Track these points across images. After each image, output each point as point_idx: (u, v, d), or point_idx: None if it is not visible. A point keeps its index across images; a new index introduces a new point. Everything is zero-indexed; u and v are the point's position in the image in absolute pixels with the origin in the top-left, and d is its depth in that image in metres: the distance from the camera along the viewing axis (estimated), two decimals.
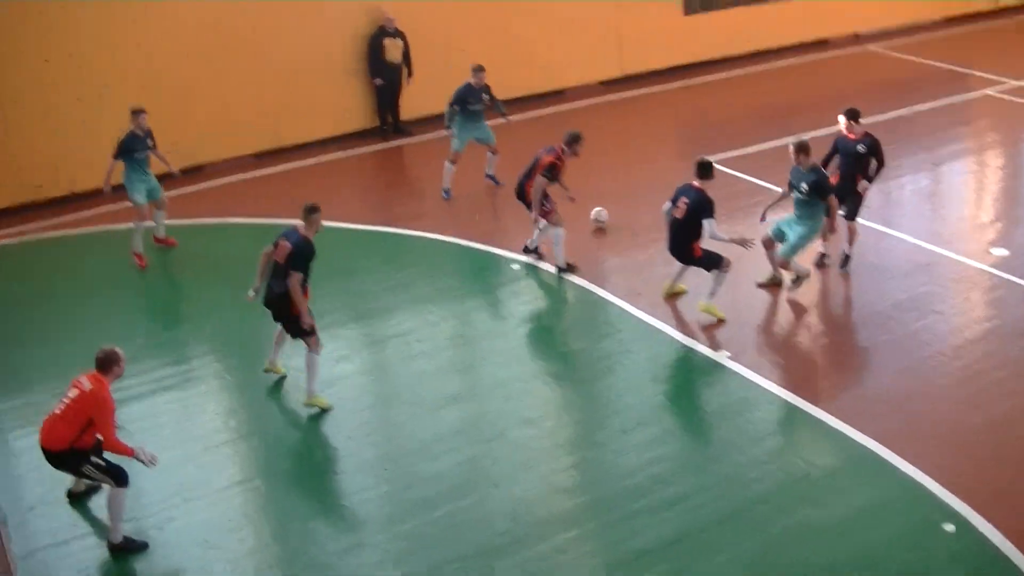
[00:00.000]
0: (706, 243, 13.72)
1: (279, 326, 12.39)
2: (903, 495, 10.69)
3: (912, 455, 11.10)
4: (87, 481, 10.67)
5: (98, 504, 10.75)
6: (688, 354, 13.22)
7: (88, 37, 18.05)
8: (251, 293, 12.29)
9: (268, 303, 12.16)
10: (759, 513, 10.45)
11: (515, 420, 11.93)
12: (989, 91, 22.84)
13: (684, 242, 13.67)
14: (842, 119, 15.00)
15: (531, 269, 15.45)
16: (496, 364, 13.15)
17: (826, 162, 14.96)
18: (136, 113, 15.86)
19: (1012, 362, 12.92)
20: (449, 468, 11.18)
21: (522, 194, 15.24)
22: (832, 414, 11.87)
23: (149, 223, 16.17)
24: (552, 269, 15.28)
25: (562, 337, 14.13)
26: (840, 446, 11.45)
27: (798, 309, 14.39)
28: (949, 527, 10.19)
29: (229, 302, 14.38)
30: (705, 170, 13.65)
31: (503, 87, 18.86)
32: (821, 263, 15.22)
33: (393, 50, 20.12)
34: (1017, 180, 19.16)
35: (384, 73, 20.23)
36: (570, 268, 15.27)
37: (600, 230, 16.48)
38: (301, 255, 11.76)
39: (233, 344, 13.89)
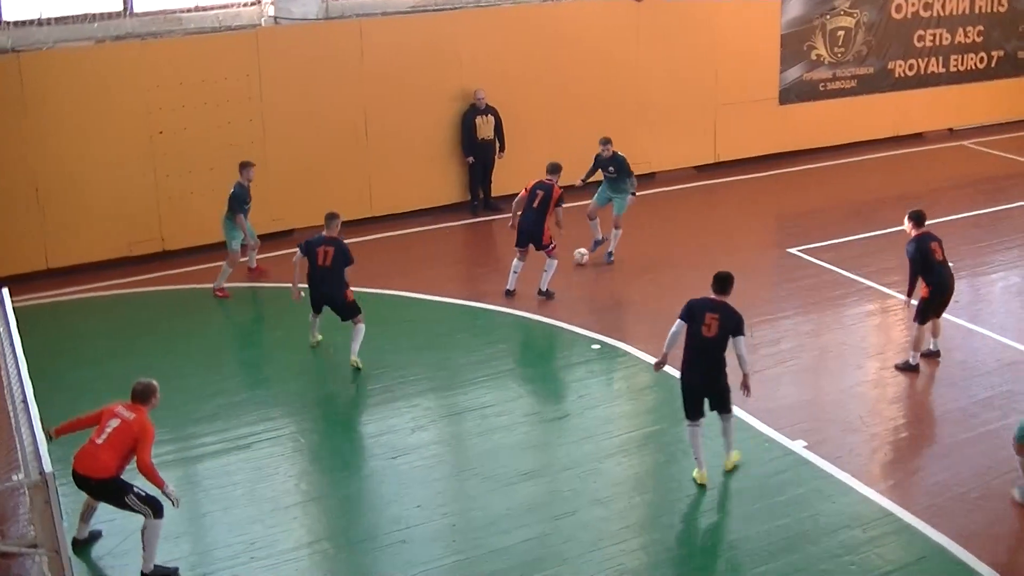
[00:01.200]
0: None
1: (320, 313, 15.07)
2: None
3: (988, 556, 10.92)
4: (91, 529, 10.99)
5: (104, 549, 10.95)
6: (763, 442, 13.14)
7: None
8: (299, 294, 14.99)
9: (321, 300, 14.86)
10: None
11: (586, 500, 11.95)
12: None
13: (720, 363, 12.01)
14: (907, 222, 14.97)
15: (611, 350, 15.52)
16: (571, 442, 13.19)
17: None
18: (245, 166, 16.88)
19: None
20: (518, 543, 11.21)
21: (535, 237, 16.86)
22: (908, 509, 11.72)
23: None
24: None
25: (637, 419, 14.13)
26: (916, 542, 11.29)
27: (880, 401, 14.27)
28: None
29: (308, 365, 14.68)
30: (724, 284, 12.20)
31: (577, 170, 19.32)
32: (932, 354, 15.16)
33: (485, 127, 20.47)
34: None
35: (476, 150, 20.57)
36: (549, 295, 16.97)
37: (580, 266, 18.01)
38: (345, 253, 14.73)
39: (309, 407, 14.11)
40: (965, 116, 26.87)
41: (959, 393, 14.40)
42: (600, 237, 18.63)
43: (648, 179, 22.37)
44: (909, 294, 14.79)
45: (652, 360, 14.76)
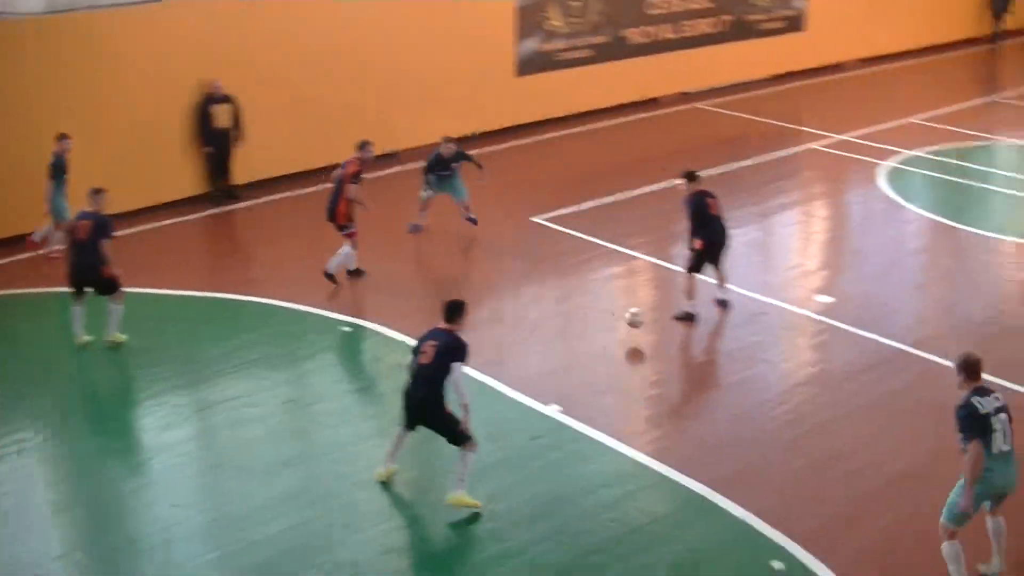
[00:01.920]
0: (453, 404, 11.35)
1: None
2: (734, 537, 10.82)
3: (741, 498, 11.25)
4: None
5: None
6: (522, 411, 13.19)
7: None
8: None
9: (77, 275, 14.43)
10: (593, 563, 10.44)
11: (348, 483, 11.75)
12: (813, 145, 23.57)
13: (435, 394, 11.12)
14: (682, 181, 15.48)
15: (361, 331, 15.33)
16: (329, 427, 12.96)
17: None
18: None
19: (835, 404, 13.25)
20: (280, 532, 10.92)
21: (333, 217, 16.49)
22: (664, 462, 11.97)
23: None
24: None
25: (394, 399, 13.90)
26: (673, 493, 11.55)
27: (630, 360, 14.52)
28: (778, 565, 10.32)
29: (54, 369, 14.10)
30: (455, 312, 11.34)
31: (322, 153, 18.99)
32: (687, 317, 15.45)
33: (222, 116, 19.92)
34: (841, 230, 19.80)
35: (213, 140, 20.00)
36: (332, 279, 16.46)
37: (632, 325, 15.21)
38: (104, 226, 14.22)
39: (55, 413, 13.39)
40: (698, 79, 27.66)
41: (708, 347, 14.80)
42: (421, 224, 18.57)
43: (393, 158, 22.20)
44: (691, 246, 15.33)
45: (404, 338, 14.66)
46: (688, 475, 11.73)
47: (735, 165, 22.04)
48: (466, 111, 23.42)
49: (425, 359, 11.05)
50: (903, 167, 22.30)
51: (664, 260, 17.49)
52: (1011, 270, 17.46)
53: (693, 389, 14.11)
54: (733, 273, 16.43)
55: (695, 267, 15.39)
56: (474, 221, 18.66)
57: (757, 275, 17.18)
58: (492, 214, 19.38)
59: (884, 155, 22.87)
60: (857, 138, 24.06)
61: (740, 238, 18.45)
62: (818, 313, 15.66)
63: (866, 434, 12.67)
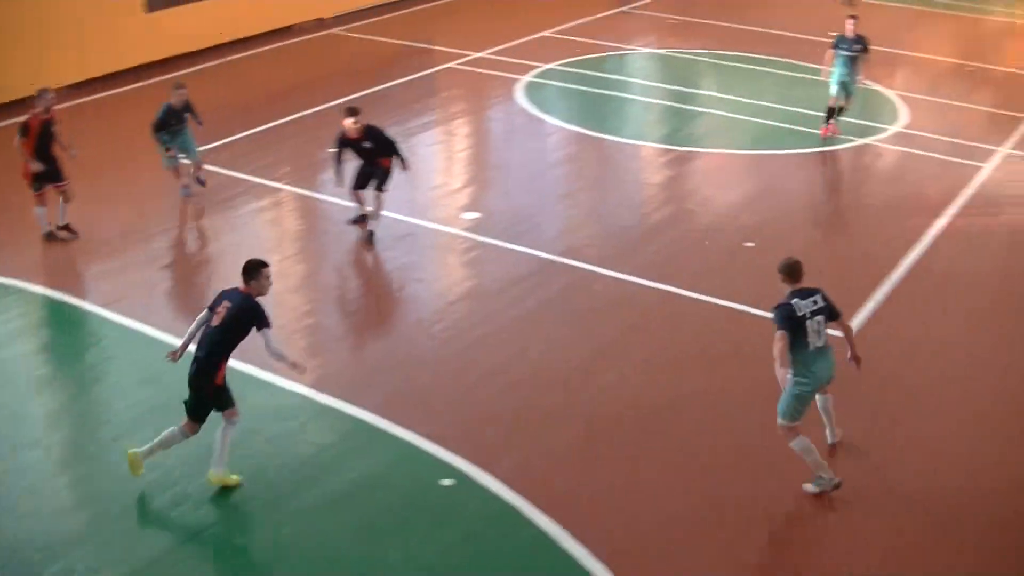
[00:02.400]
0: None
1: None
2: (401, 460, 10.79)
3: (407, 420, 11.23)
4: None
5: None
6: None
7: None
8: None
9: None
10: (265, 500, 10.19)
11: (8, 446, 10.99)
12: (452, 64, 23.69)
13: (214, 361, 10.24)
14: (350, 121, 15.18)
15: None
16: None
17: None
18: None
19: (490, 318, 13.42)
20: None
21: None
22: (326, 391, 11.80)
23: None
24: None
25: (44, 356, 13.18)
26: (338, 422, 11.40)
27: (284, 292, 14.20)
28: (447, 482, 10.39)
29: None
30: (252, 271, 10.30)
31: None
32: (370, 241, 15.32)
33: None
34: (483, 146, 20.04)
35: None
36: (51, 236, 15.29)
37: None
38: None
39: None
40: (332, 5, 27.26)
41: (359, 272, 14.67)
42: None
43: (17, 106, 20.80)
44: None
45: (49, 292, 13.85)
46: (351, 402, 11.62)
47: (374, 89, 21.86)
48: (96, 50, 22.18)
49: (217, 320, 10.21)
50: (541, 81, 22.76)
51: (309, 189, 17.21)
52: (650, 174, 18.17)
53: (347, 315, 13.96)
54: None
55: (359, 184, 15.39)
56: (203, 183, 16.93)
57: (403, 196, 17.09)
58: (130, 159, 18.44)
59: (521, 70, 23.26)
60: (493, 55, 24.37)
61: None
62: (466, 230, 15.81)
63: (525, 344, 12.90)
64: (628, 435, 11.34)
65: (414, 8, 28.67)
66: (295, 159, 18.50)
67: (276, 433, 11.22)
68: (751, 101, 21.82)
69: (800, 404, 10.32)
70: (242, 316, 10.17)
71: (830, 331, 10.46)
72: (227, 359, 10.32)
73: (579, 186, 17.99)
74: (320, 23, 26.82)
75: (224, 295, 10.38)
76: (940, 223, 16.28)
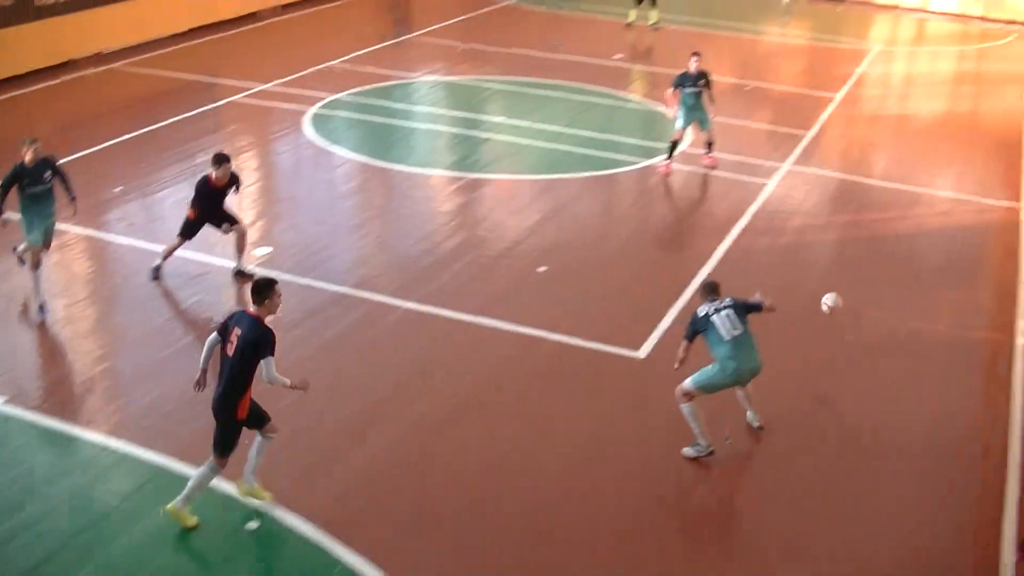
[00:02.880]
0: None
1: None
2: (206, 505, 10.64)
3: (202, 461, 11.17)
4: None
5: None
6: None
7: None
8: None
9: None
10: (66, 559, 10.00)
11: None
12: (236, 97, 23.54)
13: (236, 396, 10.18)
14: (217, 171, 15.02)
15: None
16: None
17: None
18: None
19: (287, 353, 13.26)
20: None
21: None
22: (123, 438, 11.65)
23: None
24: None
25: None
26: (138, 468, 11.26)
27: (76, 338, 13.95)
28: (253, 525, 10.46)
29: None
30: (263, 292, 10.16)
31: None
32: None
33: None
34: (272, 180, 19.97)
35: None
36: None
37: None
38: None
39: None
40: (113, 38, 26.73)
41: (153, 313, 14.47)
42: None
43: None
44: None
45: None
46: (150, 448, 11.50)
47: (158, 124, 21.57)
48: None
49: (231, 350, 10.08)
50: (327, 112, 22.81)
51: (96, 230, 16.88)
52: (440, 202, 18.42)
53: (143, 358, 13.72)
54: (168, 234, 16.20)
55: (189, 233, 15.25)
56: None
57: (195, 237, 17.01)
58: None
59: (307, 101, 23.28)
60: (279, 87, 24.32)
61: (170, 198, 18.28)
62: (259, 265, 15.74)
63: (323, 379, 12.94)
64: (428, 463, 11.54)
65: (197, 41, 28.35)
66: (79, 200, 18.04)
67: (75, 484, 11.02)
68: (540, 126, 22.33)
69: (712, 384, 11.57)
70: (256, 343, 9.99)
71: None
72: (249, 390, 10.24)
73: (369, 216, 18.11)
74: (101, 58, 26.26)
75: (235, 320, 10.21)
76: (727, 241, 16.96)
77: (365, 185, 19.62)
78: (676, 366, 11.76)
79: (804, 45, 28.90)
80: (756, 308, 11.89)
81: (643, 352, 13.79)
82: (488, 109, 24.28)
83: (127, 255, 16.12)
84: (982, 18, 35.99)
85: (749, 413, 12.37)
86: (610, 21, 33.41)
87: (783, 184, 19.73)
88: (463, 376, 13.25)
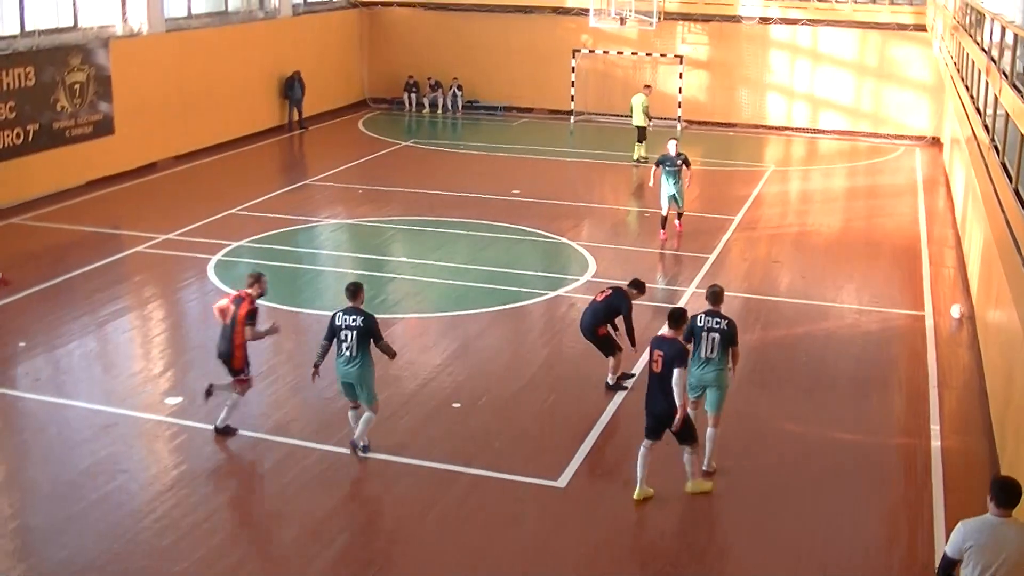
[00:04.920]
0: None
1: None
2: None
3: None
4: None
5: None
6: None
7: None
8: None
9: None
10: None
11: None
12: (140, 248, 23.44)
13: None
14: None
15: None
16: None
17: None
18: None
19: (206, 503, 13.23)
20: None
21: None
22: None
23: None
24: None
25: None
26: None
27: None
28: None
29: None
30: (677, 320, 13.12)
31: None
32: None
33: None
34: (180, 328, 19.85)
35: None
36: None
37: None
38: None
39: None
40: (9, 193, 26.56)
41: (62, 468, 14.19)
42: None
43: None
44: None
45: None
46: None
47: (60, 278, 21.36)
48: None
49: (656, 367, 12.80)
50: (231, 259, 22.81)
51: (3, 387, 16.65)
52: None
53: (54, 514, 13.38)
54: (76, 387, 16.01)
55: None
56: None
57: (101, 386, 16.84)
58: None
59: (211, 249, 23.28)
60: (182, 236, 24.30)
61: (77, 351, 18.08)
62: (170, 415, 15.59)
63: (240, 527, 12.83)
64: None
65: (96, 192, 28.30)
66: None
67: None
68: (443, 263, 22.55)
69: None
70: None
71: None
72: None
73: (279, 361, 18.02)
74: None
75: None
76: (638, 366, 17.12)
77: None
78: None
79: (699, 170, 29.65)
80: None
81: (562, 482, 13.83)
82: (391, 249, 24.49)
83: (34, 410, 15.86)
84: (871, 134, 37.37)
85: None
86: (504, 157, 34.06)
87: (690, 307, 20.00)
88: (386, 514, 13.18)
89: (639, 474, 13.33)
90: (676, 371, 12.60)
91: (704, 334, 13.58)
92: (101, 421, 15.43)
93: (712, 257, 23.37)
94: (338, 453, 14.54)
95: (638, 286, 16.42)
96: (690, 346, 13.51)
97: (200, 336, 19.26)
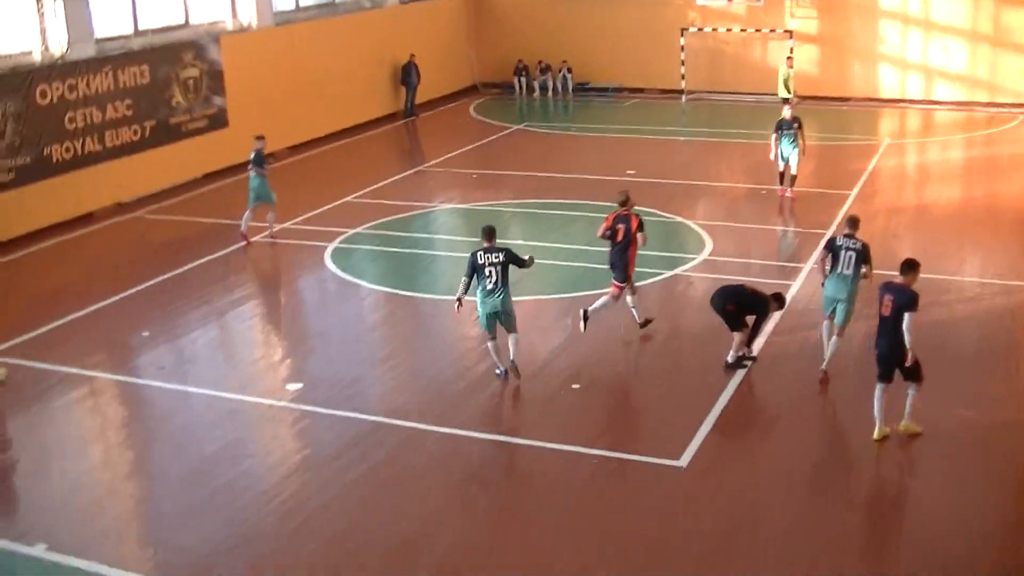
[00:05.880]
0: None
1: None
2: None
3: None
4: None
5: None
6: (3, 555, 12.26)
7: None
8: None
9: None
10: None
11: None
12: (258, 237, 23.66)
13: (897, 340, 13.64)
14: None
15: None
16: None
17: None
18: None
19: (327, 486, 13.32)
20: None
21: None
22: None
23: None
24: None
25: None
26: None
27: (105, 484, 13.86)
28: None
29: None
30: (911, 268, 13.97)
31: None
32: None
33: None
34: (299, 316, 20.08)
35: None
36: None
37: None
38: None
39: None
40: (131, 188, 27.09)
41: (188, 454, 14.38)
42: None
43: None
44: None
45: None
46: None
47: (183, 268, 21.71)
48: None
49: (886, 311, 13.69)
50: (349, 246, 22.97)
51: (127, 375, 16.93)
52: (468, 327, 18.28)
53: (184, 497, 13.57)
54: (200, 374, 16.22)
55: None
56: None
57: (224, 373, 17.05)
58: None
59: (328, 237, 23.45)
60: (298, 224, 24.53)
61: (199, 339, 18.35)
62: (291, 401, 15.71)
63: (365, 508, 12.86)
64: None
65: (213, 185, 28.73)
66: (107, 347, 18.16)
67: None
68: (561, 246, 22.43)
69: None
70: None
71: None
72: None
73: (398, 346, 18.11)
74: (121, 207, 26.57)
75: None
76: (761, 339, 16.86)
77: (391, 315, 19.66)
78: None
79: (814, 145, 29.08)
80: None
81: (684, 461, 13.65)
82: (507, 233, 24.39)
83: (160, 398, 16.11)
84: (988, 104, 36.36)
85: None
86: (617, 138, 33.82)
87: (808, 283, 19.71)
88: (508, 496, 13.14)
89: (877, 416, 13.95)
90: (907, 315, 13.47)
91: (843, 252, 15.71)
92: (225, 408, 15.63)
93: (829, 233, 22.87)
94: (458, 436, 14.52)
95: (780, 301, 16.93)
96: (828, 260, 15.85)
97: (319, 323, 19.46)
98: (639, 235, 17.32)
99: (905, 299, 13.60)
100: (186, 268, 21.81)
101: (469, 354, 17.37)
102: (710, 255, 21.51)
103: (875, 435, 13.97)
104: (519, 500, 13.13)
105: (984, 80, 36.72)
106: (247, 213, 23.19)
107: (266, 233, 23.38)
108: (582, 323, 17.29)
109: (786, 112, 25.24)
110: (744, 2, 38.26)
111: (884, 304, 13.80)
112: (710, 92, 39.60)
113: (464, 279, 15.90)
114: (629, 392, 15.81)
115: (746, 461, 13.84)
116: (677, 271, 20.70)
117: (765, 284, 18.41)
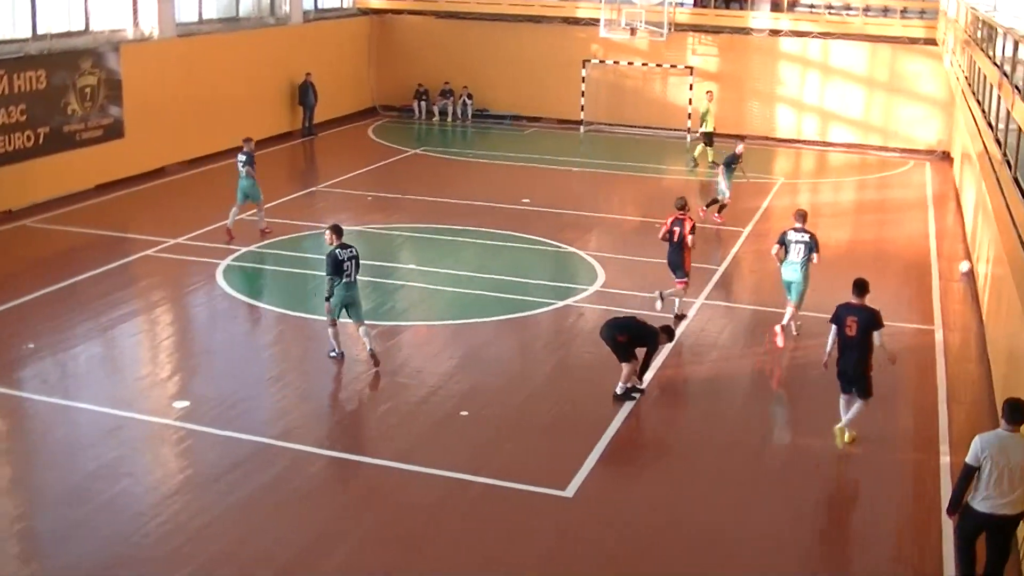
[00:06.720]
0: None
1: None
2: None
3: None
4: None
5: None
6: None
7: None
8: None
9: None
10: None
11: None
12: (149, 252, 23.43)
13: (862, 360, 14.80)
14: None
15: None
16: None
17: None
18: None
19: (209, 508, 13.19)
20: None
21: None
22: None
23: None
24: None
25: None
26: None
27: None
28: None
29: None
30: (861, 289, 15.06)
31: None
32: None
33: None
34: (188, 333, 19.85)
35: None
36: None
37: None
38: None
39: None
40: (20, 196, 26.57)
41: (69, 471, 14.15)
42: None
43: None
44: None
45: None
46: None
47: (69, 281, 21.34)
48: None
49: (851, 332, 14.62)
50: (240, 264, 22.80)
51: (8, 388, 16.59)
52: (358, 351, 18.15)
53: (60, 516, 13.36)
54: (81, 390, 15.98)
55: None
56: None
57: (107, 389, 16.80)
58: None
59: (220, 254, 23.26)
60: (190, 240, 24.29)
61: (84, 354, 18.08)
62: (177, 419, 15.55)
63: (247, 531, 12.76)
64: None
65: (106, 196, 28.30)
66: None
67: None
68: (452, 272, 22.51)
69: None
70: (868, 325, 15.15)
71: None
72: None
73: (288, 367, 18.04)
74: (8, 215, 26.06)
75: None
76: (648, 375, 17.08)
77: (281, 335, 19.57)
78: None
79: (709, 181, 29.58)
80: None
81: (570, 491, 13.78)
82: (399, 257, 24.46)
83: (42, 412, 15.84)
84: (880, 148, 37.35)
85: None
86: (513, 166, 34.06)
87: (698, 318, 20.04)
88: (393, 522, 13.14)
89: (845, 420, 15.11)
90: (876, 333, 14.64)
91: (793, 245, 18.77)
92: (108, 424, 15.41)
93: (721, 269, 23.34)
94: (344, 460, 14.52)
95: (669, 334, 17.22)
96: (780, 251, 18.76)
97: (208, 341, 19.28)
98: (689, 237, 19.37)
99: (869, 318, 14.73)
100: (75, 280, 21.46)
101: (360, 378, 17.35)
102: (602, 286, 21.75)
103: (845, 439, 15.08)
104: (405, 526, 13.11)
105: (878, 125, 37.79)
106: (234, 210, 24.34)
107: (263, 226, 24.89)
108: (659, 302, 19.61)
109: (739, 148, 27.90)
110: (647, 36, 38.80)
111: (848, 325, 14.74)
112: (609, 124, 40.11)
113: (330, 278, 17.17)
114: (517, 421, 15.89)
115: (633, 492, 14.02)
116: (568, 301, 20.90)
117: (655, 318, 18.68)
